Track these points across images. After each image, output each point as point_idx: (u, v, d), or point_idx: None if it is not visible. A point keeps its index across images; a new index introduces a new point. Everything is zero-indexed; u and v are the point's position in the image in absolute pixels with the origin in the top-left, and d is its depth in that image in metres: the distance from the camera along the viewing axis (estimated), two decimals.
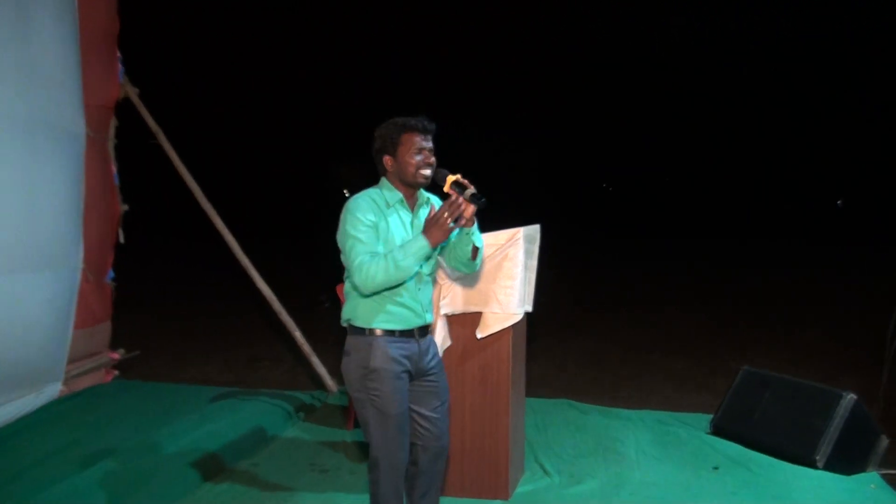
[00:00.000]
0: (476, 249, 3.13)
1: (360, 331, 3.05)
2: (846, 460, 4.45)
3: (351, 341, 3.10)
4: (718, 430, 5.04)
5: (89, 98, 5.67)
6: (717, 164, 44.90)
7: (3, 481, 4.08)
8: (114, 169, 6.20)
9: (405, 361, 3.06)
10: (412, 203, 3.13)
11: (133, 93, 6.13)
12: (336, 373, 6.19)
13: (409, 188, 3.10)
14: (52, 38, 5.18)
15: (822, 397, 4.61)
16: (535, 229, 4.25)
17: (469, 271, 3.28)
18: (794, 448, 4.53)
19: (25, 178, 5.01)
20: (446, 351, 4.02)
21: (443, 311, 3.97)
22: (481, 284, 3.96)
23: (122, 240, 6.29)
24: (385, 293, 2.99)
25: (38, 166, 5.09)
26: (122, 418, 5.23)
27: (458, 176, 3.00)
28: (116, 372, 6.39)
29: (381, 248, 2.94)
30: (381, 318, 3.02)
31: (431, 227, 2.91)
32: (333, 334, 7.69)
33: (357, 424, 5.23)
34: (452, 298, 3.99)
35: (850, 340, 8.44)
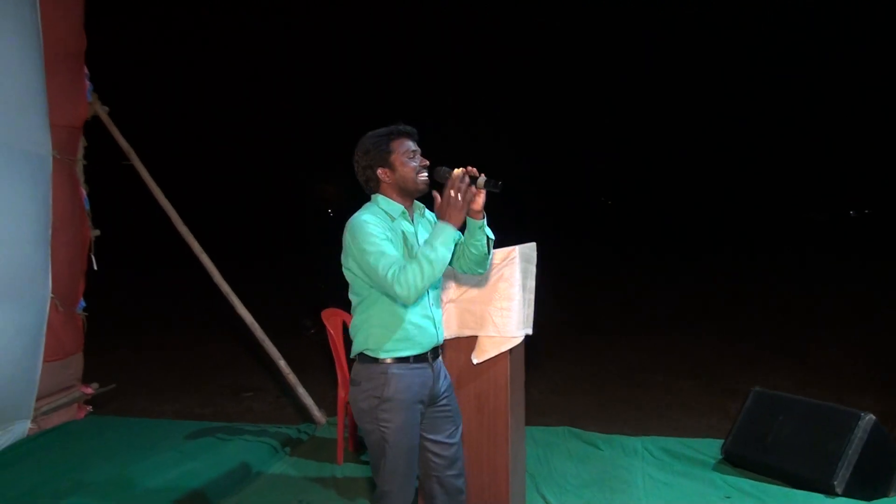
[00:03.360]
0: (490, 241, 3.15)
1: (372, 359, 3.01)
2: (866, 485, 4.42)
3: (361, 370, 3.05)
4: (729, 456, 5.02)
5: (55, 118, 5.64)
6: (723, 173, 45.00)
7: None
8: (83, 192, 6.17)
9: (420, 390, 3.04)
10: (411, 214, 3.13)
11: (103, 111, 6.11)
12: (323, 403, 6.16)
13: (409, 198, 3.10)
14: (13, 56, 5.15)
15: (839, 418, 4.58)
16: (531, 247, 4.24)
17: (483, 270, 3.27)
18: (810, 473, 4.50)
19: None
20: None
21: None
22: (476, 307, 3.94)
23: (94, 266, 6.25)
24: (399, 314, 2.98)
25: (1, 191, 5.06)
26: (96, 457, 5.17)
27: (462, 168, 3.01)
28: (90, 408, 6.34)
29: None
30: (396, 344, 3.00)
31: (446, 209, 2.88)
32: (320, 362, 7.70)
33: (347, 458, 5.22)
34: (446, 322, 3.97)
35: (868, 358, 8.44)
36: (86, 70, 6.09)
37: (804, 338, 9.83)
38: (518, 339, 3.95)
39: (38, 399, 5.65)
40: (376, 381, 2.98)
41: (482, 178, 2.98)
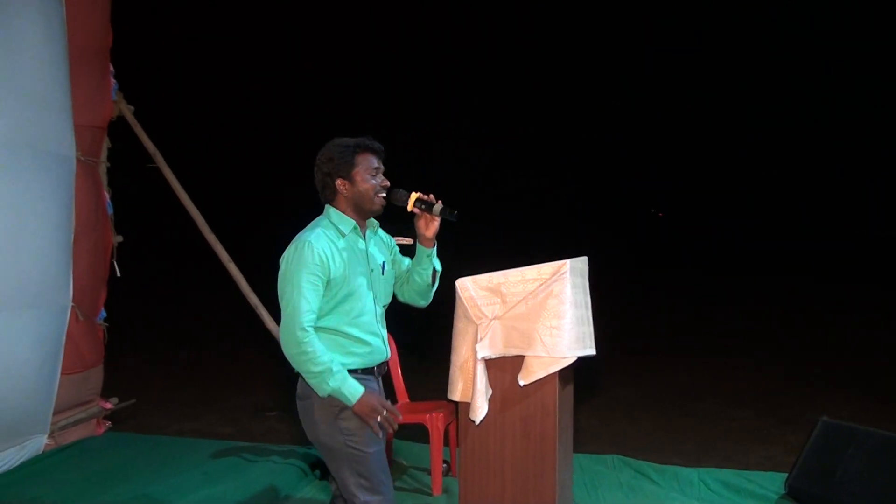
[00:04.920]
0: (435, 273, 3.26)
1: None
2: None
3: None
4: (794, 492, 4.91)
5: (79, 118, 5.68)
6: (789, 186, 44.22)
7: None
8: (106, 196, 6.21)
9: None
10: (363, 230, 3.20)
11: (128, 111, 6.16)
12: None
13: (362, 216, 3.17)
14: (37, 52, 5.20)
15: None
16: (583, 261, 4.21)
17: (425, 302, 3.39)
18: None
19: (8, 207, 4.99)
20: None
21: (480, 355, 3.90)
22: (523, 324, 3.89)
23: (117, 274, 6.27)
24: (347, 331, 3.06)
25: (22, 193, 5.09)
26: (115, 475, 5.18)
27: (420, 193, 3.12)
28: (109, 423, 6.36)
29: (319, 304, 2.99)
30: (345, 358, 3.05)
31: (366, 407, 2.96)
32: None
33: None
34: (492, 339, 3.93)
35: None
36: (111, 67, 6.14)
37: (879, 369, 9.62)
38: (569, 360, 3.90)
39: (55, 413, 5.68)
40: None
41: (438, 206, 3.09)
